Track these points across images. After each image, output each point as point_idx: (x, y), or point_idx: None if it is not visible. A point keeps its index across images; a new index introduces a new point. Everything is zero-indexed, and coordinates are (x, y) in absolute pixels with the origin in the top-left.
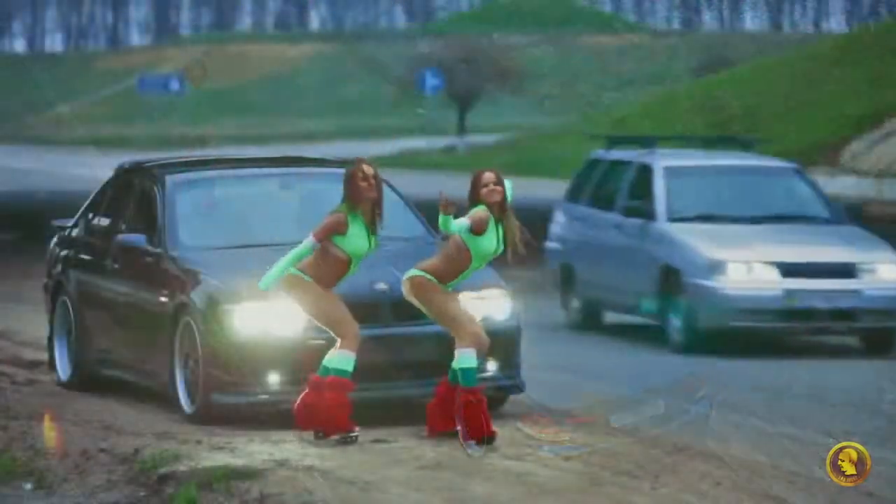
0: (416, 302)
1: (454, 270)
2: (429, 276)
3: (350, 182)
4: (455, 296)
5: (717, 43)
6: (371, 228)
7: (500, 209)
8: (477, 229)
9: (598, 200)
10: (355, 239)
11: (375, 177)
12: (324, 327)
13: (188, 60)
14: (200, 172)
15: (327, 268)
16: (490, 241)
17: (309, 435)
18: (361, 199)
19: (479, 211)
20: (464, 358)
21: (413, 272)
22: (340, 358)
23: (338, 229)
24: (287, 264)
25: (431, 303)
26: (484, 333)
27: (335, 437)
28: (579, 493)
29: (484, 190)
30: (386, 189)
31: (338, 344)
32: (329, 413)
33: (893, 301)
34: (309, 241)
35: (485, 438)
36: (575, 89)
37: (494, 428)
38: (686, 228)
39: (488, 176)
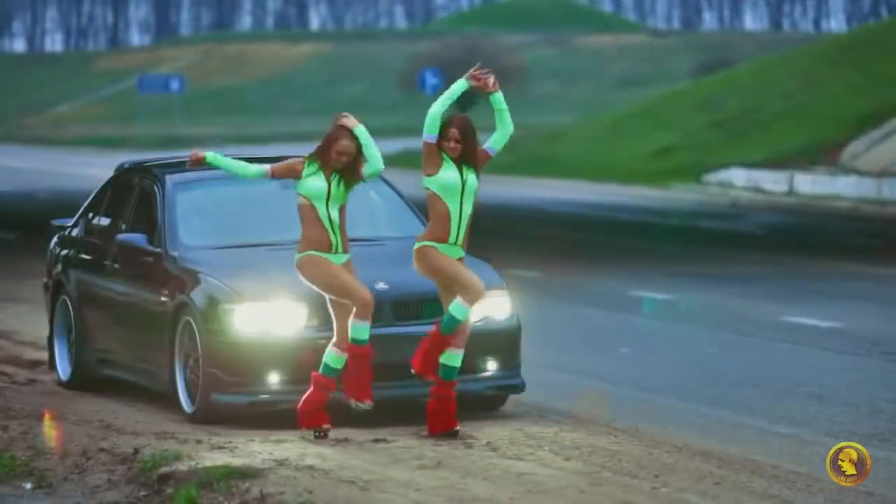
0: (423, 272)
1: (442, 219)
2: (428, 243)
3: (326, 146)
4: (450, 259)
5: (717, 43)
6: (328, 175)
7: (459, 161)
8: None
9: None
10: (310, 182)
11: (349, 153)
12: (339, 298)
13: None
14: (200, 172)
15: (307, 222)
16: (447, 175)
17: (309, 434)
18: (328, 164)
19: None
20: (457, 307)
21: (415, 245)
22: (354, 327)
23: (293, 168)
24: (231, 166)
25: (433, 268)
26: (482, 292)
27: (351, 404)
28: (579, 493)
29: (444, 142)
30: (386, 188)
31: (333, 341)
32: (347, 378)
33: None
34: (263, 167)
35: (452, 431)
36: (575, 89)
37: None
38: None
39: (452, 132)
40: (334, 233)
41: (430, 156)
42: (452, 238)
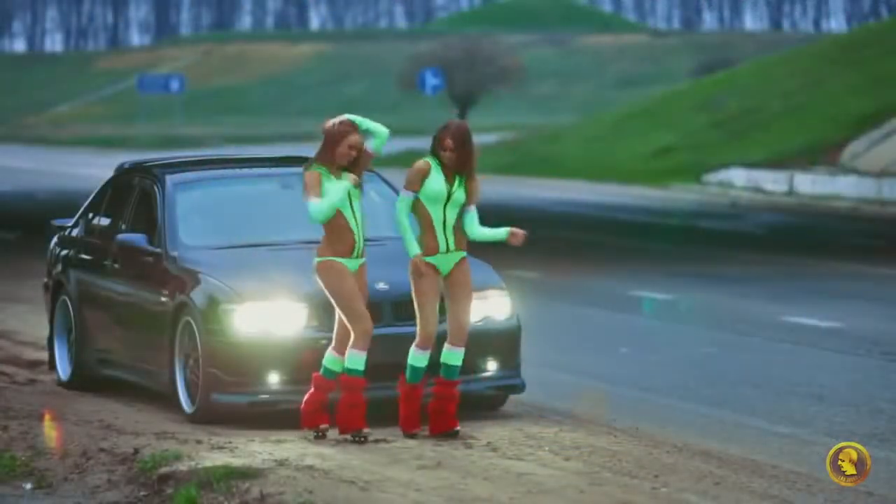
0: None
1: (428, 228)
2: (423, 258)
3: (332, 145)
4: (432, 290)
5: (717, 43)
6: (338, 175)
7: (453, 170)
8: (410, 188)
9: None
10: (331, 188)
11: (358, 147)
12: (342, 316)
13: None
14: (200, 172)
15: (333, 229)
16: (434, 184)
17: (310, 434)
18: (335, 163)
19: (414, 167)
20: (412, 356)
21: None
22: (350, 357)
23: (318, 182)
24: (330, 202)
25: (413, 286)
26: (432, 337)
27: (347, 435)
28: (579, 493)
29: (440, 151)
30: (387, 189)
31: (332, 345)
32: (340, 412)
33: None
34: (315, 203)
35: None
36: (575, 89)
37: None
38: None
39: (447, 143)
40: (359, 234)
41: (412, 182)
42: (443, 247)
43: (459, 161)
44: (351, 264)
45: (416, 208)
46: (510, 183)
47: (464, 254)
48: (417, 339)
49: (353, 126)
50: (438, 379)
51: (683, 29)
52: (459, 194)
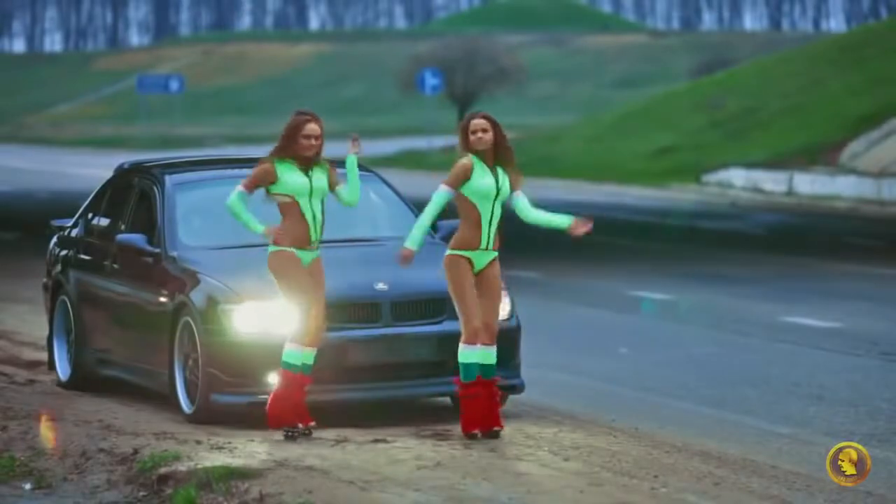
0: (446, 278)
1: (473, 224)
2: (455, 252)
3: (290, 136)
4: (467, 281)
5: (717, 43)
6: (305, 169)
7: (493, 155)
8: (453, 184)
9: None
10: (289, 179)
11: (319, 137)
12: (293, 302)
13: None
14: (200, 172)
15: (289, 220)
16: (482, 180)
17: (309, 433)
18: (298, 154)
19: (457, 164)
20: (461, 353)
21: (447, 252)
22: (289, 352)
23: (266, 179)
24: (245, 220)
25: (450, 282)
26: (481, 329)
27: (281, 431)
28: (578, 493)
29: (472, 137)
30: (386, 189)
31: (290, 336)
32: (271, 407)
33: None
34: (238, 191)
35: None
36: (575, 89)
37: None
38: None
39: (477, 122)
40: (315, 229)
41: (459, 173)
42: (483, 243)
43: (496, 141)
44: (305, 257)
45: (461, 204)
46: None
47: (496, 253)
48: (463, 334)
49: (308, 115)
50: (478, 379)
51: (683, 29)
52: (505, 187)
